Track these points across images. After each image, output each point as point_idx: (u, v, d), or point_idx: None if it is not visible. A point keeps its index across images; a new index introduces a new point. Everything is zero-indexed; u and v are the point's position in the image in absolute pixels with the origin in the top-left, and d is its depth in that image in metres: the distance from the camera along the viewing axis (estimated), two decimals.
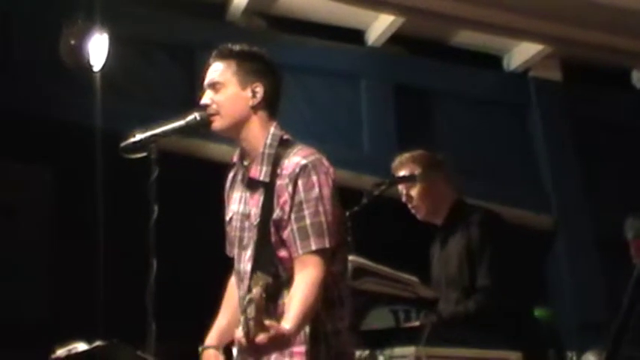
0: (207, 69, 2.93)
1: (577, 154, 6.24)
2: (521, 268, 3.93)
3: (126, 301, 3.44)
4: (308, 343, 2.78)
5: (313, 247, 2.75)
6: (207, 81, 2.90)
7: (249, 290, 2.73)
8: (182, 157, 5.03)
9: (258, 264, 2.81)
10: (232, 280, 3.10)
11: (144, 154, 3.04)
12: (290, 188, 2.79)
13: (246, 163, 2.94)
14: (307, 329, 2.77)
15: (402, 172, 4.01)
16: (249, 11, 5.73)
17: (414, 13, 5.60)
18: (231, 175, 3.09)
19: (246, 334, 2.49)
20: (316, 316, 2.78)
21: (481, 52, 6.22)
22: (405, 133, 5.88)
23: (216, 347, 2.97)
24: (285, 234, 2.79)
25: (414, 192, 3.98)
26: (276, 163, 2.85)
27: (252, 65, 2.91)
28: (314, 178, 2.80)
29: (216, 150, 5.31)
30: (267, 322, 2.48)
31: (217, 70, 2.89)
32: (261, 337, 2.47)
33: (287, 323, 2.60)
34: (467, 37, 6.07)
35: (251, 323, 2.48)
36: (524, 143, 6.21)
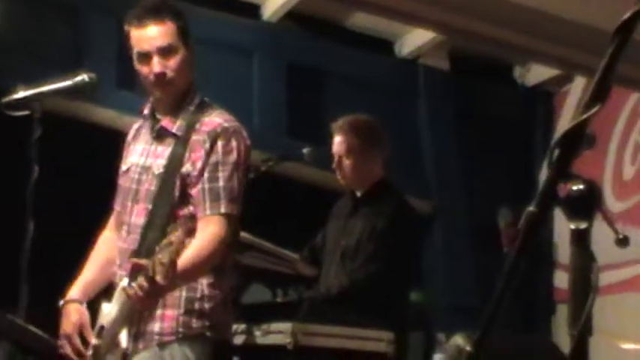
0: (138, 27, 2.77)
1: (459, 142, 6.39)
2: (407, 254, 4.00)
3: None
4: (182, 307, 2.73)
5: (222, 210, 2.71)
6: (152, 46, 2.75)
7: (143, 243, 2.72)
8: (67, 119, 4.91)
9: (153, 217, 2.75)
10: (105, 235, 3.03)
11: (26, 112, 2.96)
12: (207, 145, 2.73)
13: (158, 116, 2.86)
14: (184, 294, 2.73)
15: (339, 139, 3.97)
16: None
17: None
18: (135, 126, 3.02)
19: (151, 279, 2.45)
20: (195, 282, 2.74)
21: (375, 36, 6.28)
22: (295, 111, 5.90)
23: (79, 301, 2.88)
24: (195, 191, 2.73)
25: (347, 162, 3.92)
26: (193, 119, 2.79)
27: (184, 24, 2.82)
28: (234, 143, 2.77)
29: (103, 115, 5.21)
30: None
31: (161, 33, 2.75)
32: (159, 279, 2.43)
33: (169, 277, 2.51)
34: (362, 20, 6.12)
35: (159, 268, 2.44)
36: (410, 129, 6.32)
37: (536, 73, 6.57)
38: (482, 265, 5.95)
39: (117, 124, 5.10)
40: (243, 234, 3.49)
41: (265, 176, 3.95)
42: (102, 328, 2.80)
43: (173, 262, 2.44)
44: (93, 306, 2.93)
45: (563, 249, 5.92)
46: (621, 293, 5.46)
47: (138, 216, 2.81)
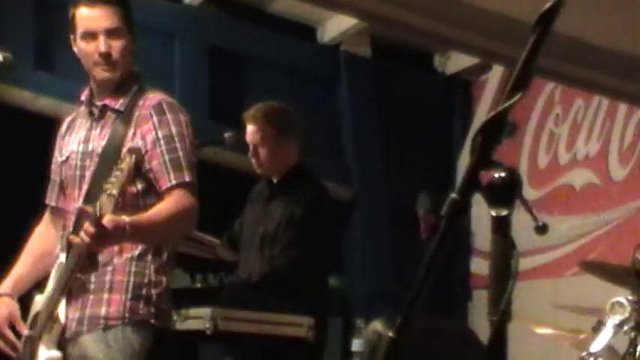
0: (87, 7, 2.78)
1: (380, 129, 6.43)
2: (327, 240, 4.02)
3: None
4: (130, 292, 2.73)
5: (187, 179, 2.72)
6: (99, 26, 2.76)
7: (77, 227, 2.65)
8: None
9: (93, 190, 2.69)
10: (39, 229, 3.02)
11: None
12: (155, 119, 2.75)
13: (98, 103, 2.85)
14: (132, 279, 2.73)
15: (253, 128, 3.96)
16: None
17: None
18: (68, 119, 3.00)
19: (97, 221, 2.43)
20: (143, 263, 2.74)
21: (297, 22, 6.27)
22: (217, 95, 5.85)
23: (9, 295, 2.86)
24: (154, 164, 2.72)
25: (262, 151, 3.93)
26: (135, 98, 2.80)
27: (129, 12, 2.85)
28: (181, 117, 2.80)
29: (19, 96, 5.08)
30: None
31: (109, 15, 2.78)
32: (107, 219, 2.43)
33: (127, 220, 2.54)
34: (284, 6, 6.10)
35: (107, 201, 2.40)
36: (332, 115, 6.34)
37: (456, 62, 6.65)
38: (401, 251, 6.01)
39: (34, 106, 4.99)
40: None
41: None
42: (35, 317, 2.79)
43: (121, 194, 2.42)
44: (27, 300, 2.91)
45: (480, 235, 6.03)
46: (537, 279, 5.59)
47: (80, 200, 2.79)
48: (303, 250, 3.79)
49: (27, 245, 3.00)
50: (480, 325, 5.68)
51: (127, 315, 2.72)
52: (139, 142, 2.73)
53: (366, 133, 6.41)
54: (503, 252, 1.40)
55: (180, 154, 2.74)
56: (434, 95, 6.77)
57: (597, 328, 2.90)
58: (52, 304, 2.72)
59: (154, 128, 2.74)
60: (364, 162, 6.36)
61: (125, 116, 2.77)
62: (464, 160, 6.40)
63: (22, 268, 2.95)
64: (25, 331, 2.78)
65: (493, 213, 1.39)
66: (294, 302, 3.70)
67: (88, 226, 2.47)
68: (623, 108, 5.51)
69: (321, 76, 6.47)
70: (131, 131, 2.76)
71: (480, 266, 6.26)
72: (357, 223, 6.27)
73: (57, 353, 2.72)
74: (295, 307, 3.68)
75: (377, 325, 3.55)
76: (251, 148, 3.97)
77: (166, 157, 2.73)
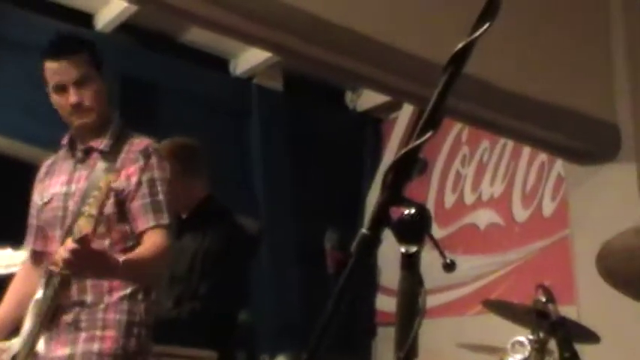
0: (52, 61, 2.86)
1: (290, 163, 6.44)
2: (236, 275, 3.99)
3: None
4: (122, 330, 2.77)
5: (166, 221, 2.80)
6: (67, 78, 2.84)
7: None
8: None
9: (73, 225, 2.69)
10: (22, 273, 3.04)
11: None
12: (141, 162, 2.83)
13: (81, 147, 2.93)
14: (125, 317, 2.78)
15: None
16: None
17: (144, 3, 5.52)
18: (47, 162, 3.05)
19: (80, 239, 2.43)
20: (135, 302, 2.81)
21: (210, 53, 6.26)
22: (127, 124, 5.75)
23: None
24: (136, 205, 2.78)
25: None
26: (119, 139, 2.89)
27: (96, 54, 2.93)
28: (165, 163, 2.91)
29: None
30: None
31: (75, 65, 2.85)
32: (95, 244, 2.50)
33: (121, 258, 2.62)
34: (198, 36, 6.08)
35: (85, 222, 2.41)
36: (242, 147, 6.32)
37: (367, 99, 6.74)
38: (308, 286, 6.00)
39: None
40: None
41: None
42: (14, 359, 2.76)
43: (101, 213, 2.46)
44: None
45: (387, 272, 6.08)
46: (440, 317, 5.65)
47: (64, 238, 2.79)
48: (211, 285, 3.75)
49: (9, 289, 3.03)
50: None
51: (119, 352, 2.76)
52: (123, 183, 2.79)
53: (276, 167, 6.41)
54: (411, 288, 1.40)
55: (161, 197, 2.83)
56: (345, 131, 6.83)
57: None
58: (32, 339, 2.71)
59: (138, 171, 2.82)
60: (273, 195, 6.35)
61: (109, 157, 2.85)
62: (373, 197, 6.46)
63: (4, 310, 2.98)
64: None
65: (403, 249, 1.39)
66: (199, 336, 3.65)
67: (68, 242, 2.50)
68: (526, 151, 5.66)
69: (233, 108, 6.45)
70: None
71: (385, 303, 6.30)
72: (265, 256, 6.24)
73: None
74: (199, 340, 3.63)
75: None
76: None
77: (148, 200, 2.80)
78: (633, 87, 4.55)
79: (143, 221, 2.79)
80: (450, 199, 6.13)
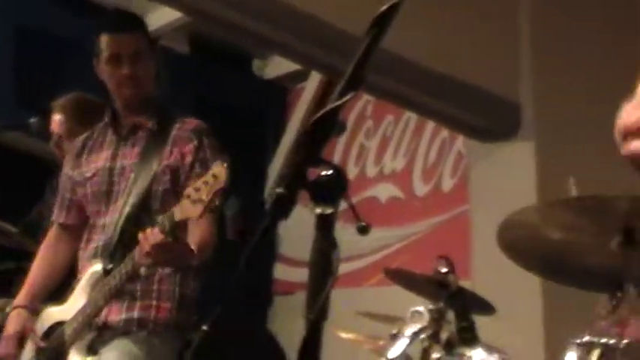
0: (112, 32, 2.95)
1: None
2: None
3: None
4: (176, 301, 2.84)
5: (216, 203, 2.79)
6: (123, 50, 2.92)
7: (122, 238, 2.76)
8: None
9: (140, 208, 2.79)
10: (48, 244, 3.07)
11: None
12: (195, 141, 2.88)
13: (125, 122, 2.98)
14: (177, 289, 2.85)
15: (60, 118, 3.81)
16: None
17: None
18: (82, 138, 3.10)
19: (163, 230, 2.48)
20: (187, 275, 2.86)
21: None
22: (24, 79, 5.57)
23: (25, 307, 2.93)
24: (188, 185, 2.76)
25: (67, 143, 3.74)
26: (166, 117, 2.95)
27: (149, 35, 3.07)
28: (215, 141, 2.95)
29: None
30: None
31: (133, 40, 2.95)
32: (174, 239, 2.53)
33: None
34: None
35: (186, 204, 2.42)
36: None
37: (274, 68, 6.70)
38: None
39: None
40: None
41: None
42: (52, 328, 2.82)
43: (211, 201, 2.47)
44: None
45: (287, 242, 6.08)
46: (340, 288, 5.68)
47: (116, 212, 2.84)
48: None
49: (38, 258, 3.06)
50: (281, 330, 5.72)
51: (171, 323, 2.84)
52: (178, 161, 2.85)
53: None
54: (324, 250, 1.39)
55: None
56: (250, 99, 6.77)
57: (396, 336, 2.96)
58: (92, 313, 2.73)
59: (193, 150, 2.87)
60: None
61: (158, 135, 2.89)
62: (275, 166, 6.44)
63: (35, 279, 3.01)
64: (40, 343, 2.83)
65: (318, 210, 1.37)
66: None
67: (150, 232, 2.54)
68: (429, 127, 5.73)
69: None
70: (167, 149, 2.87)
71: (283, 272, 6.31)
72: None
73: None
74: None
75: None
76: (55, 138, 3.81)
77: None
78: (537, 68, 4.65)
79: None
80: (352, 172, 6.17)
